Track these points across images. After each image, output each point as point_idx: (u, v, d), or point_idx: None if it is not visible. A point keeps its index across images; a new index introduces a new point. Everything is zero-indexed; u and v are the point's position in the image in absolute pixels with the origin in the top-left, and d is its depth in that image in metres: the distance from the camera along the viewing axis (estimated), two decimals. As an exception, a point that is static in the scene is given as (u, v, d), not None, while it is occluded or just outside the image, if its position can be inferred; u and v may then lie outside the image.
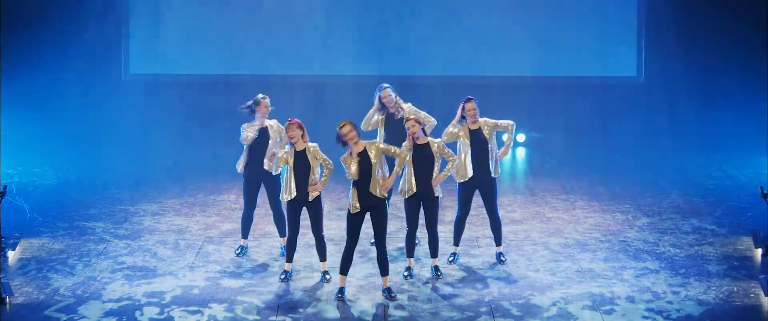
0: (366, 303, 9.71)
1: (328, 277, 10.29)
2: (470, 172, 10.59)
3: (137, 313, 9.42)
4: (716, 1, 17.15)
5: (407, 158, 10.06)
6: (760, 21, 16.75)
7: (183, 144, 17.01)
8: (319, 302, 9.73)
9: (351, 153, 9.73)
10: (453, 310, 9.53)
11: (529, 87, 17.42)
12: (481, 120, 10.71)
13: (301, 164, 10.08)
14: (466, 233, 11.79)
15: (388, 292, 9.82)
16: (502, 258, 10.84)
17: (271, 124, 10.88)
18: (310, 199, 10.14)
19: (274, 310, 9.51)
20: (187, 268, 10.65)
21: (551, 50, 17.50)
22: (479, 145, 10.59)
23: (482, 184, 10.70)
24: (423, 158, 10.10)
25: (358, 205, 9.73)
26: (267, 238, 11.71)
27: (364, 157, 9.73)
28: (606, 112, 17.54)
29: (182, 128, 17.39)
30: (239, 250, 11.14)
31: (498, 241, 10.95)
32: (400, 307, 9.62)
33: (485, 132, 10.65)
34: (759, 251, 11.06)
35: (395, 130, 10.99)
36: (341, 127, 9.69)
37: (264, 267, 10.71)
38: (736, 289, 10.03)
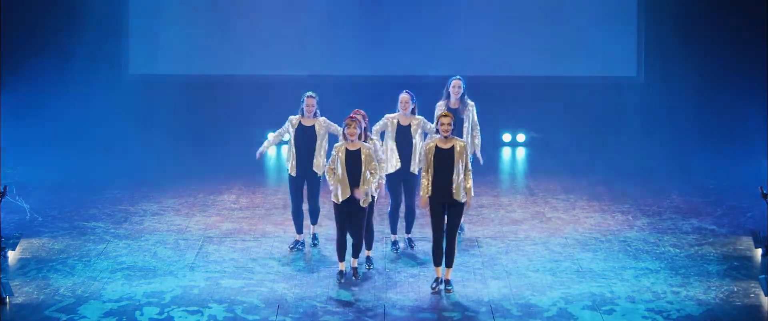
0: (365, 303, 9.70)
1: (357, 275, 10.31)
2: (396, 165, 10.90)
3: (137, 313, 9.41)
4: (716, 0, 17.15)
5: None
6: (760, 21, 16.74)
7: (183, 144, 17.01)
8: (319, 302, 9.73)
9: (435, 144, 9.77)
10: (453, 310, 9.53)
11: (529, 87, 17.42)
12: (417, 118, 10.96)
13: (354, 164, 10.08)
14: (466, 233, 11.80)
15: (446, 284, 9.94)
16: (408, 244, 11.13)
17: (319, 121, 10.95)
18: (364, 205, 10.17)
19: (274, 310, 9.51)
20: (187, 268, 10.65)
21: (551, 50, 17.50)
22: (403, 139, 10.85)
23: (405, 179, 10.99)
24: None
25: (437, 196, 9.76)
26: (267, 238, 11.71)
27: (448, 153, 9.74)
28: (606, 112, 17.53)
29: (182, 128, 17.39)
30: (293, 245, 11.24)
31: (408, 229, 11.31)
32: (400, 306, 9.62)
33: (413, 128, 10.90)
34: (759, 251, 11.06)
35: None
36: (444, 117, 9.75)
37: (264, 266, 10.71)
38: (736, 289, 10.03)
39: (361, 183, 10.09)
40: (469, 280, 10.30)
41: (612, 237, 11.78)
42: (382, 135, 11.05)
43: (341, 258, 10.28)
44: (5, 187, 10.98)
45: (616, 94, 17.57)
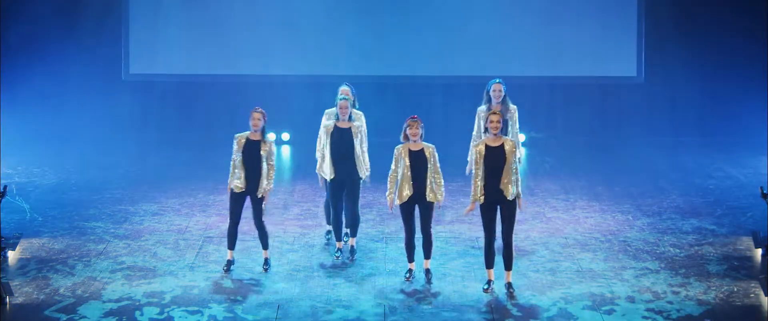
0: (366, 303, 9.71)
1: (429, 276, 10.32)
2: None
3: (137, 313, 9.41)
4: (716, 1, 17.16)
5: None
6: (760, 21, 16.75)
7: (183, 144, 17.00)
8: (319, 302, 9.73)
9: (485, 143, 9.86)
10: (453, 310, 9.53)
11: (529, 87, 17.42)
12: (357, 112, 11.14)
13: (419, 162, 10.10)
14: (467, 233, 11.81)
15: (508, 287, 9.95)
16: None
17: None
18: (431, 200, 10.21)
19: (274, 310, 9.51)
20: (187, 268, 10.65)
21: (551, 50, 17.49)
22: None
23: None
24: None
25: (487, 195, 9.83)
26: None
27: (499, 151, 9.79)
28: (606, 112, 17.53)
29: (182, 128, 17.39)
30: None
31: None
32: (401, 307, 9.62)
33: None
34: (759, 251, 11.06)
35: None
36: (493, 114, 9.85)
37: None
38: (736, 289, 10.03)
39: (427, 187, 10.13)
40: (469, 279, 10.30)
41: (612, 237, 11.78)
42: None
43: (410, 258, 10.36)
44: (5, 187, 10.98)
45: (616, 94, 17.56)
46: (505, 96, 11.29)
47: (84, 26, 17.24)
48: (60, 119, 17.28)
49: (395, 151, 10.21)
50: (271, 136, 10.59)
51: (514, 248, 10.06)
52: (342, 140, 10.74)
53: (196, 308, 9.54)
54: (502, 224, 9.98)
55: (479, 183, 9.86)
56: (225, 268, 10.54)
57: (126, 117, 17.30)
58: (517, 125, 11.37)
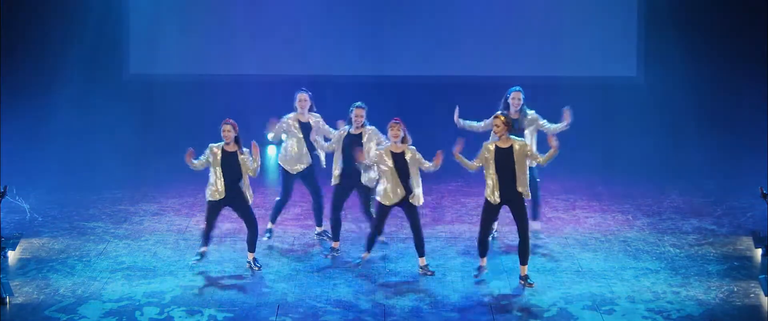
0: (366, 303, 9.71)
1: (430, 271, 10.46)
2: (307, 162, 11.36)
3: (137, 313, 9.42)
4: (716, 1, 17.15)
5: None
6: (760, 21, 16.73)
7: (183, 144, 16.95)
8: (319, 302, 9.73)
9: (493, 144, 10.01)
10: (453, 310, 9.53)
11: (529, 87, 17.36)
12: (315, 115, 11.38)
13: (401, 165, 10.21)
14: (467, 234, 11.81)
15: (525, 279, 10.19)
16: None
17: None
18: (418, 203, 10.33)
19: (274, 310, 9.51)
20: (187, 268, 10.65)
21: (551, 50, 17.48)
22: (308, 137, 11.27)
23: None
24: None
25: (497, 196, 9.98)
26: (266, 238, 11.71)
27: (508, 152, 9.94)
28: (606, 112, 17.52)
29: (182, 128, 17.37)
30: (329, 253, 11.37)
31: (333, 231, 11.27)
32: (400, 307, 9.62)
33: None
34: (759, 251, 11.06)
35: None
36: (495, 118, 10.03)
37: (264, 267, 10.71)
38: (736, 289, 10.03)
39: (412, 187, 10.26)
40: (469, 279, 10.30)
41: (612, 237, 11.78)
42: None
43: (368, 249, 10.59)
44: (5, 187, 10.98)
45: (616, 94, 17.55)
46: (523, 104, 11.35)
47: (84, 26, 17.21)
48: (60, 119, 17.25)
49: (376, 155, 10.36)
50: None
51: (529, 243, 10.27)
52: (352, 147, 10.78)
53: (196, 308, 9.54)
54: (517, 222, 10.14)
55: (489, 182, 9.98)
56: (198, 259, 10.65)
57: (126, 117, 17.27)
58: (548, 124, 11.44)
